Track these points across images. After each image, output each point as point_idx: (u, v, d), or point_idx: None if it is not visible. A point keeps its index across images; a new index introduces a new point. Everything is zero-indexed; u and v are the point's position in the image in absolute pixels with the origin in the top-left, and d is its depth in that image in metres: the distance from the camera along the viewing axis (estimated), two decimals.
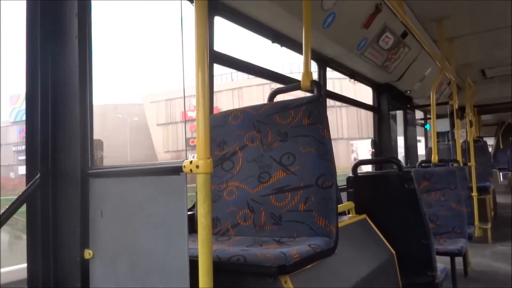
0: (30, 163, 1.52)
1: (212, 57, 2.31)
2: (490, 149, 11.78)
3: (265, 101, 1.94)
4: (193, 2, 1.17)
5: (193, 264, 1.11)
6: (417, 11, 3.72)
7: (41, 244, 1.51)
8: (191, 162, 1.12)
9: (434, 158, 3.97)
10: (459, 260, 3.63)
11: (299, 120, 1.68)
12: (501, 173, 10.89)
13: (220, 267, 1.24)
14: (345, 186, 2.65)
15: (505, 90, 6.90)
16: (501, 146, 11.41)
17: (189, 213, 1.37)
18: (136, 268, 1.33)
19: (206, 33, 1.17)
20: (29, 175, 1.51)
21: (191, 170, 1.12)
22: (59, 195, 1.52)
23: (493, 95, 7.28)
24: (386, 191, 2.52)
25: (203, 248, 1.08)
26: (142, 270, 1.32)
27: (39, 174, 1.50)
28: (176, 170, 1.18)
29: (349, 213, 2.38)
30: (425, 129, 7.22)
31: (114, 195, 1.43)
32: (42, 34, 1.52)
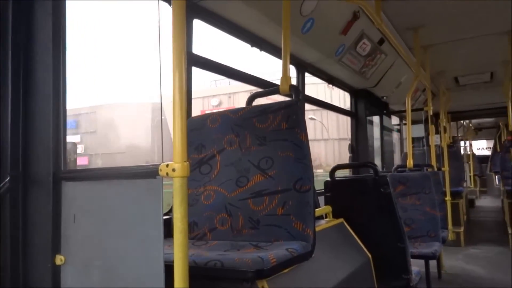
0: None
1: (191, 60, 2.29)
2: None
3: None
4: (171, 4, 1.16)
5: (169, 269, 1.10)
6: (394, 20, 3.80)
7: (10, 250, 1.45)
8: (167, 165, 1.10)
9: (409, 163, 4.05)
10: (433, 263, 3.70)
11: (278, 124, 1.68)
12: (496, 177, 11.14)
13: (196, 272, 1.22)
14: (323, 190, 2.67)
15: (476, 97, 7.13)
16: (498, 149, 11.70)
17: (165, 217, 1.35)
18: (110, 274, 1.30)
19: (184, 35, 1.16)
20: None
21: (167, 174, 1.10)
22: (29, 199, 1.48)
23: (466, 102, 7.50)
24: (362, 195, 2.55)
25: (179, 252, 1.07)
26: (116, 276, 1.29)
27: (8, 178, 1.45)
28: (152, 173, 1.16)
29: (326, 217, 2.39)
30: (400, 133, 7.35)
31: (87, 199, 1.39)
32: (13, 32, 1.48)
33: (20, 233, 1.47)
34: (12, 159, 1.47)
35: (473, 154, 12.17)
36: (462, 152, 10.96)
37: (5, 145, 1.47)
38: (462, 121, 10.79)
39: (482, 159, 12.59)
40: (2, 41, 1.48)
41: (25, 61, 1.50)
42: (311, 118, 22.64)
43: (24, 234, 1.47)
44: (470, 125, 11.89)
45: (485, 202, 10.54)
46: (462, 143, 11.64)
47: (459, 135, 11.13)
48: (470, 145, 12.34)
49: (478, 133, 13.25)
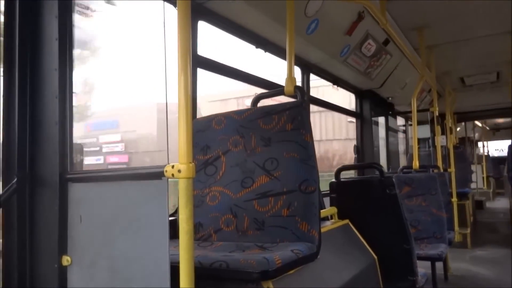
0: (6, 167, 1.48)
1: (196, 62, 2.30)
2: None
3: None
4: (176, 6, 1.16)
5: (175, 270, 1.10)
6: (399, 20, 3.79)
7: (17, 250, 1.47)
8: (173, 166, 1.10)
9: (415, 164, 4.03)
10: (439, 264, 3.68)
11: (283, 125, 1.68)
12: None
13: (202, 273, 1.22)
14: (328, 191, 2.66)
15: (483, 98, 7.08)
16: None
17: (171, 218, 1.35)
18: (116, 274, 1.31)
19: (189, 37, 1.16)
20: (5, 179, 1.47)
21: (173, 175, 1.11)
22: (36, 200, 1.49)
23: (472, 103, 7.46)
24: (368, 196, 2.54)
25: (185, 253, 1.07)
26: (122, 276, 1.29)
27: (15, 179, 1.46)
28: (158, 174, 1.16)
29: (332, 218, 2.39)
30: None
31: (93, 200, 1.40)
32: (20, 36, 1.49)
33: (27, 234, 1.48)
34: (19, 160, 1.48)
35: (487, 155, 12.01)
36: (477, 153, 10.81)
37: (12, 147, 1.49)
38: (476, 122, 10.65)
39: (500, 160, 12.38)
40: (9, 42, 1.49)
41: (31, 62, 1.51)
42: (350, 121, 23.26)
43: (31, 235, 1.48)
44: (485, 125, 11.76)
45: (498, 204, 10.42)
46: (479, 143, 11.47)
47: (473, 135, 10.98)
48: (483, 145, 12.21)
49: (496, 133, 13.07)
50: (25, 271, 1.48)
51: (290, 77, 1.89)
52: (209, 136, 1.85)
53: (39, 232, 1.48)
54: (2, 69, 1.49)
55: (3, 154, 1.49)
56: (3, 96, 1.50)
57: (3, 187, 1.46)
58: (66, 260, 1.41)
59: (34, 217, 1.49)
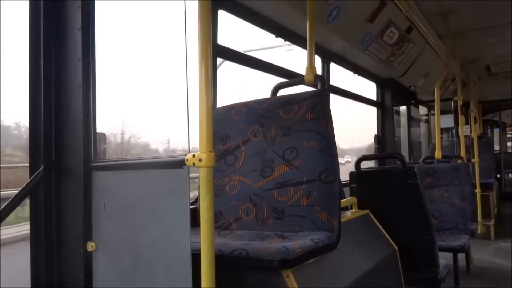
0: (33, 156, 1.52)
1: (216, 51, 2.30)
2: None
3: None
4: None
5: (195, 257, 1.12)
6: (423, 6, 3.69)
7: (44, 236, 1.52)
8: (194, 155, 1.12)
9: (438, 154, 3.95)
10: (461, 256, 3.62)
11: (303, 115, 1.67)
12: None
13: (222, 261, 1.24)
14: (348, 181, 2.64)
15: (509, 86, 6.86)
16: None
17: (191, 206, 1.37)
18: (139, 260, 1.34)
19: (209, 27, 1.16)
20: (32, 168, 1.52)
21: (193, 164, 1.12)
22: (62, 188, 1.53)
23: (498, 91, 7.24)
24: (389, 186, 2.51)
25: (205, 241, 1.08)
26: (145, 262, 1.32)
27: (42, 167, 1.51)
28: (179, 163, 1.18)
29: (351, 208, 2.38)
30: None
31: (117, 188, 1.43)
32: (45, 27, 1.52)
33: (53, 221, 1.53)
34: (45, 149, 1.52)
35: None
36: None
37: (39, 136, 1.53)
38: None
39: None
40: (34, 33, 1.53)
41: (56, 52, 1.54)
42: None
43: (57, 222, 1.53)
44: None
45: None
46: None
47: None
48: None
49: None
50: (52, 257, 1.53)
51: (311, 66, 1.88)
52: (228, 126, 1.86)
53: (65, 218, 1.52)
54: (28, 59, 1.53)
55: (30, 144, 1.53)
56: (29, 86, 1.54)
57: (30, 175, 1.51)
58: (91, 246, 1.45)
59: (60, 204, 1.53)
